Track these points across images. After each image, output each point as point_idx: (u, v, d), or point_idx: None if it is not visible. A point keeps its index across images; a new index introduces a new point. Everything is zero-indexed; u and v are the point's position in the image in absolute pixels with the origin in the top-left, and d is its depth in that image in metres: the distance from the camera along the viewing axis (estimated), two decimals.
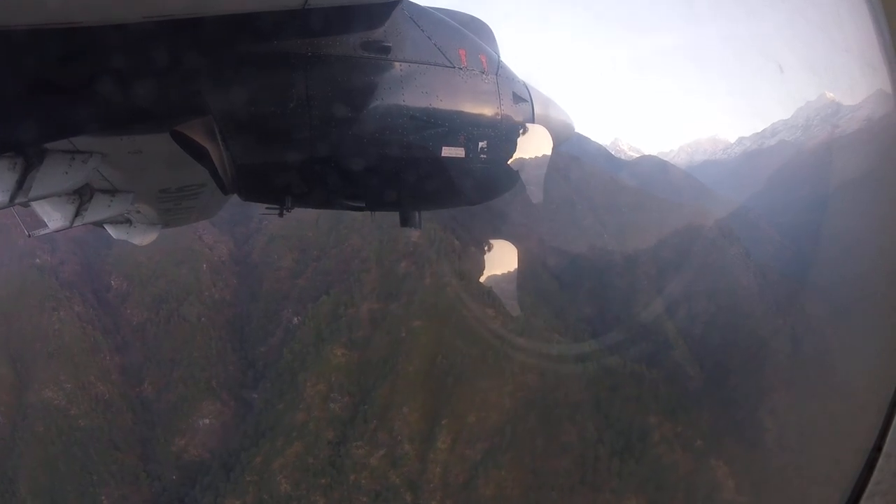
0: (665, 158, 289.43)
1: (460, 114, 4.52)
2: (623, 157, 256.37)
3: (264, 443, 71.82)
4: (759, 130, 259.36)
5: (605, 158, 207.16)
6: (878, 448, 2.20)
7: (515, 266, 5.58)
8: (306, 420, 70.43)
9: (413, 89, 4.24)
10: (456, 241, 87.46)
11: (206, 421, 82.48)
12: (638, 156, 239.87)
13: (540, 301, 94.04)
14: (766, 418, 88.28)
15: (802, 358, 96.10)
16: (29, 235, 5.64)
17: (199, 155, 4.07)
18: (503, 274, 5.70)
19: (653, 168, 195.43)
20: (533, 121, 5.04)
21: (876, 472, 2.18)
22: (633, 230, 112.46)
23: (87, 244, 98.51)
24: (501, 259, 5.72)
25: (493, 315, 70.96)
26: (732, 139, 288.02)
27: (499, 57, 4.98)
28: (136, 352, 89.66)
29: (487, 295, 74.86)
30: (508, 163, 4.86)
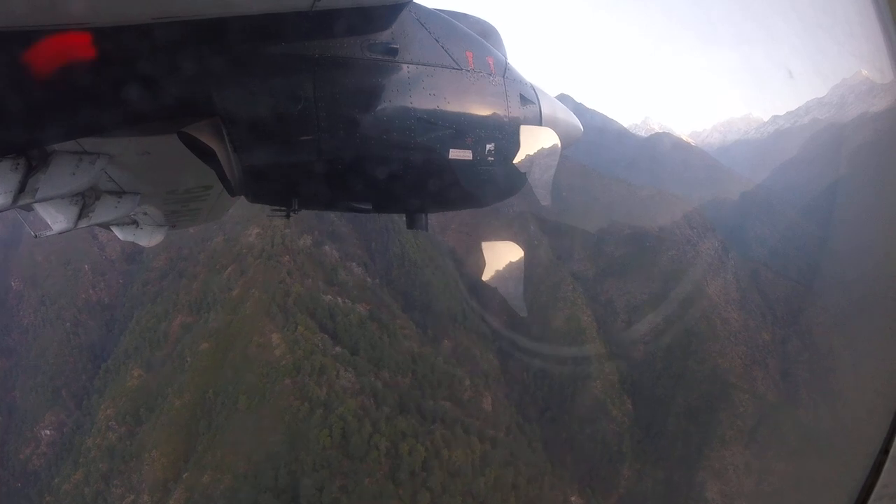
0: (697, 138, 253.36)
1: (468, 116, 4.08)
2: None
3: (63, 464, 59.70)
4: (794, 109, 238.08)
5: (614, 133, 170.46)
6: (885, 451, 2.10)
7: (522, 267, 4.90)
8: (90, 447, 56.68)
9: (420, 91, 3.86)
10: (308, 238, 67.78)
11: (48, 432, 72.45)
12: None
13: (435, 307, 71.61)
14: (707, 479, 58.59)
15: (799, 367, 68.82)
16: (35, 236, 4.79)
17: (207, 156, 3.69)
18: (509, 275, 4.92)
19: (665, 145, 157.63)
20: (540, 123, 4.56)
21: (883, 475, 2.08)
22: (575, 221, 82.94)
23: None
24: (507, 260, 4.96)
25: (276, 342, 51.12)
26: (766, 118, 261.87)
27: (506, 59, 4.52)
28: (18, 355, 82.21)
29: (283, 312, 55.28)
30: (516, 164, 4.36)
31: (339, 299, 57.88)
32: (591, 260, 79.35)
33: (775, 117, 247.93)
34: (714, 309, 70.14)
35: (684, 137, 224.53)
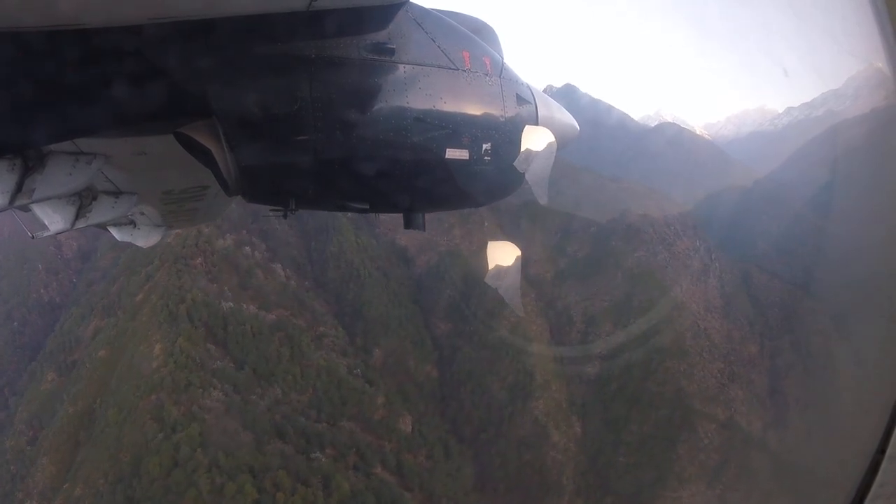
0: (711, 129, 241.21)
1: (464, 116, 4.09)
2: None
3: None
4: (809, 100, 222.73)
5: (612, 124, 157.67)
6: (881, 451, 2.10)
7: (518, 267, 4.89)
8: (6, 448, 54.14)
9: (417, 91, 3.86)
10: (229, 239, 62.33)
11: None
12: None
13: (369, 313, 64.87)
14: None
15: (792, 373, 59.30)
16: (32, 237, 4.77)
17: (203, 157, 3.71)
18: (506, 275, 4.90)
19: (671, 136, 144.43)
20: (537, 122, 4.56)
21: (880, 475, 2.09)
22: (536, 217, 73.63)
23: None
24: (504, 259, 4.93)
25: (157, 353, 45.78)
26: (781, 109, 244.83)
27: (503, 59, 4.52)
28: None
29: (172, 320, 49.88)
30: (513, 164, 4.46)
31: (245, 306, 52.17)
32: (550, 261, 70.33)
33: (790, 109, 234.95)
34: (687, 319, 59.88)
35: (698, 129, 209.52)
